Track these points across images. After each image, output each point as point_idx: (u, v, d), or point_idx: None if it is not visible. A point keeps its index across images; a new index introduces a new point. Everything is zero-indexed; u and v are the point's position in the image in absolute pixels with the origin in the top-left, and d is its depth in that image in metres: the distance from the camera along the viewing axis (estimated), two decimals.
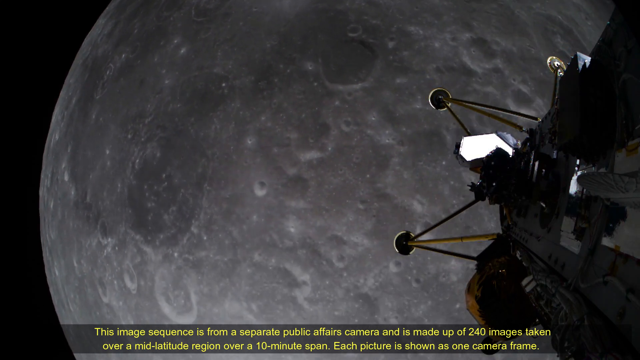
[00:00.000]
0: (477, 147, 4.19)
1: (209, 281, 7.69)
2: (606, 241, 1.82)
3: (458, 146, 4.31)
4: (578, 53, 2.41)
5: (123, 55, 9.34)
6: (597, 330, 1.71)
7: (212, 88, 8.30)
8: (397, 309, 7.05)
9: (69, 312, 10.93)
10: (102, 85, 9.56)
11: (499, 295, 3.27)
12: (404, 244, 4.97)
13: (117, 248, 8.98)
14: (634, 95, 1.87)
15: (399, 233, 5.02)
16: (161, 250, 8.21)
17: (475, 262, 3.78)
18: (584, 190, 2.16)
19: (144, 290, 8.56)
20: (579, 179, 2.23)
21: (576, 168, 2.40)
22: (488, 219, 7.17)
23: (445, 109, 5.24)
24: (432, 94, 5.28)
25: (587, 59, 2.31)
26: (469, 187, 3.91)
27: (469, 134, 4.62)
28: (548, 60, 4.26)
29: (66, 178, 10.19)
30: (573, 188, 2.36)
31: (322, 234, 6.91)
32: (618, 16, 2.14)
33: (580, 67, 2.16)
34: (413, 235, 5.02)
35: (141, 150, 8.71)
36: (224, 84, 8.23)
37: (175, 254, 8.01)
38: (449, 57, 7.50)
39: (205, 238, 7.70)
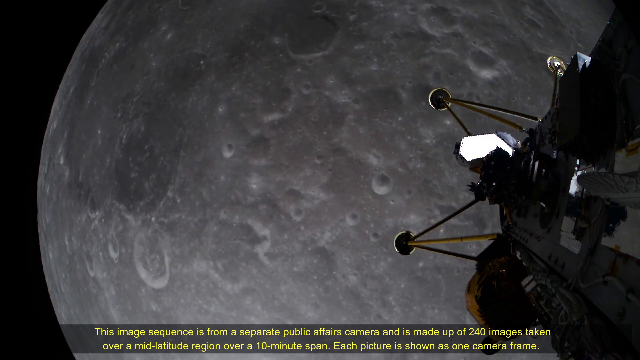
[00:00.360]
0: (477, 147, 4.51)
1: (180, 242, 8.92)
2: (606, 241, 1.95)
3: (458, 146, 4.63)
4: (578, 53, 2.62)
5: (117, 45, 11.32)
6: (597, 330, 1.83)
7: (191, 66, 9.95)
8: (355, 265, 7.89)
9: (61, 294, 12.40)
10: (98, 73, 11.52)
11: (499, 295, 3.54)
12: (404, 244, 5.32)
13: (103, 220, 10.48)
14: (634, 95, 2.01)
15: (399, 233, 5.35)
16: (141, 217, 9.61)
17: (475, 262, 4.08)
18: (584, 190, 2.32)
19: (124, 258, 9.91)
20: (579, 179, 2.40)
21: (576, 168, 2.58)
22: (449, 174, 8.01)
23: (445, 108, 5.61)
24: (432, 94, 5.60)
25: (587, 59, 2.51)
26: (469, 187, 4.20)
27: (469, 134, 4.97)
28: (548, 60, 4.52)
29: (62, 161, 12.02)
30: (573, 188, 2.54)
31: (281, 188, 8.03)
32: (618, 16, 2.31)
33: (580, 67, 2.34)
34: (413, 235, 5.39)
35: (128, 126, 10.38)
36: (202, 62, 9.85)
37: (153, 219, 9.36)
38: (407, 24, 8.71)
39: (179, 201, 9.03)
